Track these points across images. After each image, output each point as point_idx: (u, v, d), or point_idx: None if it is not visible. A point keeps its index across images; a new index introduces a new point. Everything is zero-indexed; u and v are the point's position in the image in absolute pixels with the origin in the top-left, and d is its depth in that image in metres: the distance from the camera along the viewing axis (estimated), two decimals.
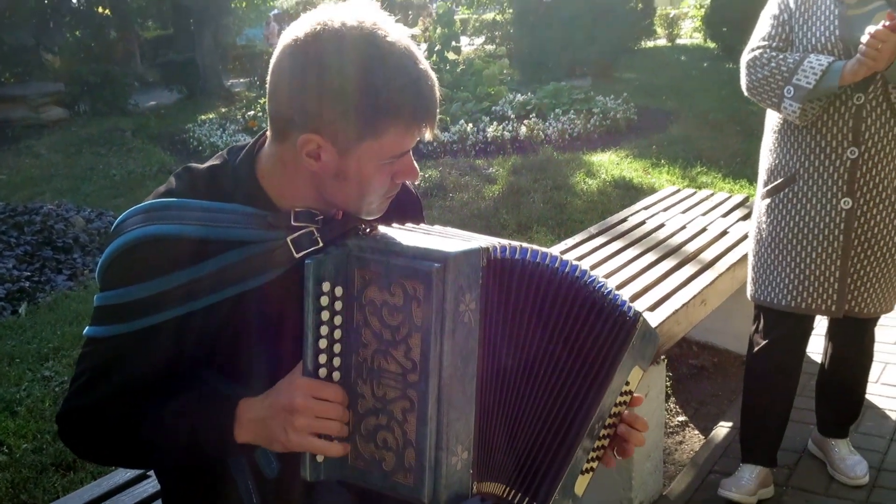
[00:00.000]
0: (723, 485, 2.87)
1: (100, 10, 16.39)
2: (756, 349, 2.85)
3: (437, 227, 1.44)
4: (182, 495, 1.52)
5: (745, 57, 2.70)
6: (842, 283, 2.62)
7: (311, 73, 1.29)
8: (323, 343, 1.31)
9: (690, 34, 21.20)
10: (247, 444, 1.34)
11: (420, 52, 1.36)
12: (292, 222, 1.39)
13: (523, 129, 9.15)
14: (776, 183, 2.70)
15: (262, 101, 11.87)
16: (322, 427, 1.28)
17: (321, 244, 1.38)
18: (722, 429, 3.37)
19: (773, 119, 2.75)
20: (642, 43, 18.96)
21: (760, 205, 2.78)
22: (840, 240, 2.59)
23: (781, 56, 2.56)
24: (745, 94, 2.71)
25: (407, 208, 1.62)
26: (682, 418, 3.56)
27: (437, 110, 1.37)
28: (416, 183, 1.66)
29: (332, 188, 1.38)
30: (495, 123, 9.42)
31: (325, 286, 1.29)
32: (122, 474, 2.00)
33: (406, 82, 1.30)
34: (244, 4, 19.54)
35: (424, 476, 1.27)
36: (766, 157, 2.78)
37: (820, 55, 2.51)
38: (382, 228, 1.38)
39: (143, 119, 12.61)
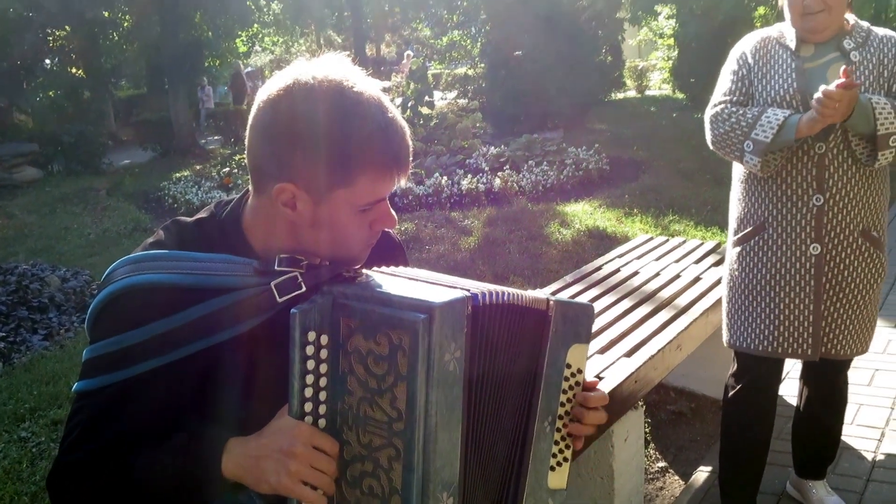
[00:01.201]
0: None
1: (73, 70, 16.46)
2: (731, 394, 2.87)
3: (423, 272, 1.43)
4: None
5: (709, 112, 2.73)
6: (816, 327, 2.64)
7: (282, 124, 1.32)
8: (309, 392, 1.31)
9: (659, 85, 21.52)
10: (232, 482, 1.33)
11: (390, 102, 1.38)
12: (276, 267, 1.39)
13: (497, 181, 9.22)
14: (746, 231, 2.71)
15: (237, 158, 11.90)
16: (313, 477, 1.29)
17: (304, 289, 1.38)
18: (702, 473, 3.37)
19: (739, 169, 2.77)
20: (612, 94, 19.26)
21: (732, 252, 2.79)
22: (812, 284, 2.62)
23: (741, 111, 2.61)
24: (711, 147, 2.75)
25: (391, 255, 1.63)
26: (661, 464, 3.56)
27: (409, 158, 1.39)
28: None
29: (309, 237, 1.40)
30: (469, 176, 9.48)
31: (311, 335, 1.30)
32: None
33: (374, 130, 1.32)
34: (218, 63, 19.65)
35: None
36: (735, 206, 2.79)
37: (777, 109, 2.55)
38: (367, 273, 1.39)
39: (117, 178, 12.60)
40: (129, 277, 1.37)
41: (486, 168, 9.91)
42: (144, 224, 9.03)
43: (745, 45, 2.75)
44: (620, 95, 20.15)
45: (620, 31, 18.64)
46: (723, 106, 2.68)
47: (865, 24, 2.66)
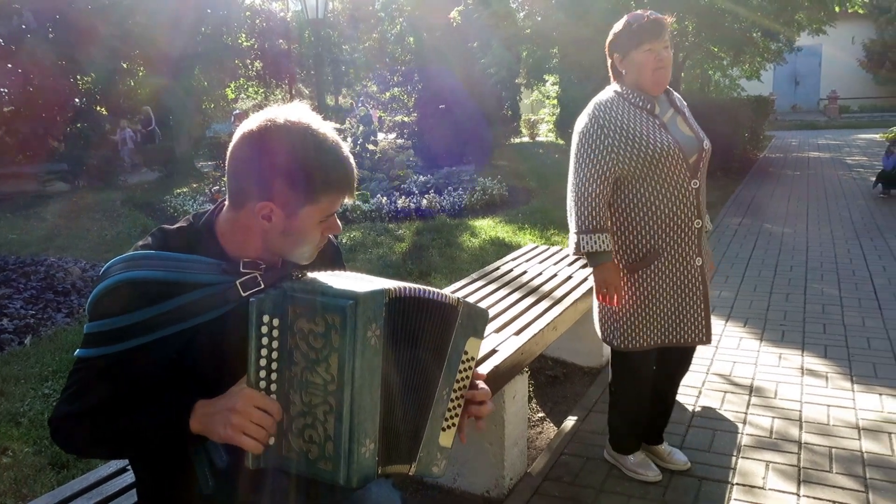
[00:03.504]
0: (633, 473, 2.80)
1: (97, 108, 15.84)
2: (634, 379, 2.72)
3: (354, 273, 1.44)
4: (153, 484, 1.46)
5: (584, 189, 2.48)
6: (707, 320, 2.61)
7: (265, 157, 1.31)
8: (263, 362, 1.30)
9: (546, 134, 21.82)
10: (198, 435, 1.32)
11: (343, 142, 1.39)
12: (241, 269, 1.38)
13: (424, 202, 9.20)
14: (643, 256, 2.54)
15: (224, 180, 11.65)
16: (251, 429, 1.27)
17: (262, 286, 1.37)
18: (570, 421, 3.38)
19: (629, 208, 2.54)
20: (512, 139, 19.43)
21: (632, 276, 2.57)
22: (700, 289, 2.58)
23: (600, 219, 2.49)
24: (575, 196, 2.55)
25: (332, 255, 1.64)
26: (541, 415, 3.58)
27: (355, 182, 1.40)
28: (343, 240, 1.66)
29: (278, 242, 1.38)
30: (404, 197, 9.43)
31: (265, 318, 1.29)
32: (105, 469, 1.89)
33: (335, 163, 1.33)
34: (212, 106, 19.24)
35: (340, 463, 1.26)
36: (625, 235, 2.56)
37: (607, 237, 2.48)
38: (311, 274, 1.38)
39: (129, 192, 12.15)
40: (123, 273, 1.34)
41: (416, 191, 9.88)
42: (150, 228, 8.66)
43: (606, 113, 2.50)
44: (517, 140, 20.34)
45: (518, 93, 18.82)
46: (596, 200, 2.48)
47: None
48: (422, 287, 1.39)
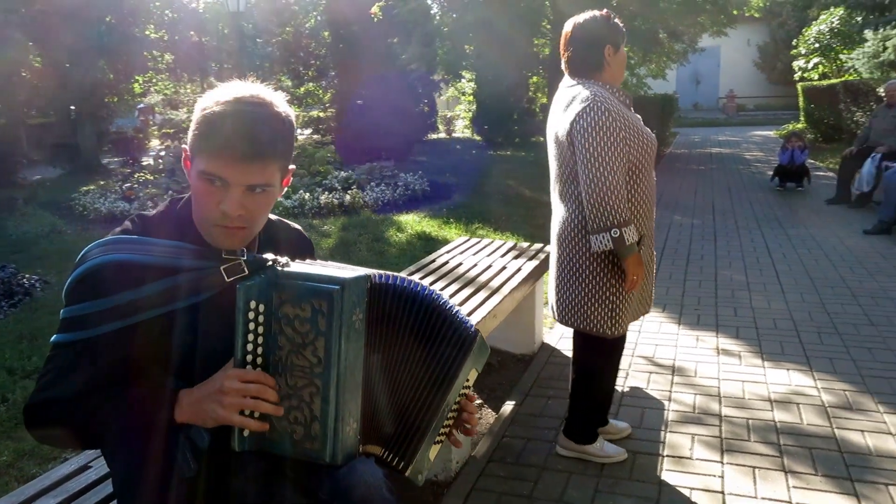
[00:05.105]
0: (605, 458, 2.88)
1: None
2: (614, 364, 2.87)
3: (332, 262, 1.47)
4: (130, 474, 1.42)
5: (611, 182, 2.43)
6: (652, 291, 2.87)
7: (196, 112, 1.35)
8: (249, 346, 1.32)
9: (462, 130, 22.04)
10: (184, 424, 1.32)
11: (270, 118, 1.33)
12: (224, 255, 1.39)
13: (347, 197, 9.16)
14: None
15: (136, 176, 11.22)
16: (248, 404, 1.28)
17: (247, 272, 1.38)
18: (508, 406, 3.49)
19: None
20: (429, 135, 19.53)
21: (597, 265, 2.61)
22: (653, 267, 2.82)
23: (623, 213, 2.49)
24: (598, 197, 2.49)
25: (305, 248, 1.66)
26: (479, 401, 3.69)
27: (242, 155, 1.30)
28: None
29: (194, 206, 1.40)
30: (326, 193, 9.37)
31: (252, 304, 1.31)
32: (68, 467, 1.86)
33: (224, 121, 1.30)
34: (115, 100, 18.43)
35: (327, 441, 1.30)
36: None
37: (635, 227, 2.53)
38: (294, 263, 1.41)
39: (31, 190, 11.53)
40: (102, 256, 1.33)
41: (339, 187, 9.83)
42: (59, 227, 8.30)
43: (613, 106, 2.48)
44: (434, 136, 20.45)
45: (437, 89, 18.95)
46: (619, 184, 2.46)
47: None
48: (403, 276, 1.45)
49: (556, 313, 2.84)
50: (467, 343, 1.48)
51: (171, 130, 14.53)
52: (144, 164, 13.74)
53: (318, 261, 1.51)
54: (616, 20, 2.66)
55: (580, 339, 2.84)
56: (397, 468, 1.45)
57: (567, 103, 2.59)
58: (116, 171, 14.12)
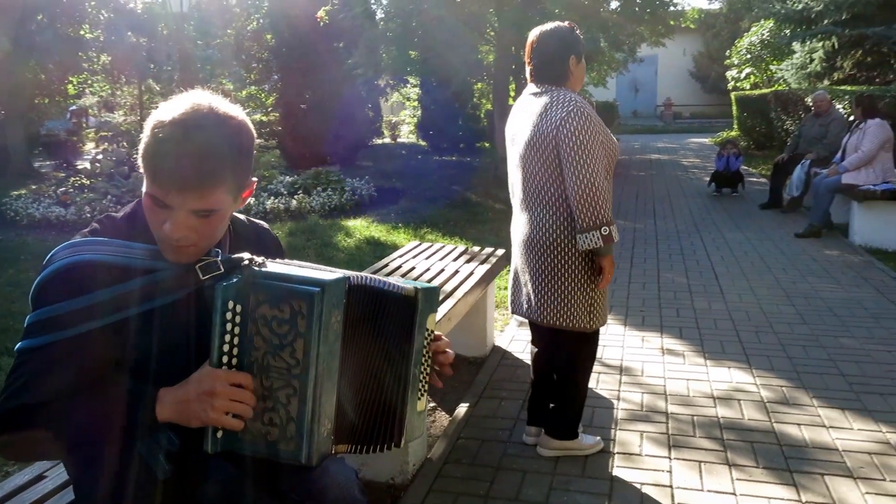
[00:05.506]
0: (589, 449, 2.98)
1: None
2: (593, 358, 2.94)
3: (307, 263, 1.47)
4: (94, 481, 1.39)
5: (599, 184, 2.55)
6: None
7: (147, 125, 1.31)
8: (226, 347, 1.32)
9: (407, 135, 22.08)
10: (153, 423, 1.30)
11: (213, 136, 1.28)
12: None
13: (294, 202, 9.10)
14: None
15: (71, 180, 10.87)
16: (235, 408, 1.29)
17: (223, 270, 1.37)
18: (462, 408, 3.53)
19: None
20: (374, 140, 19.50)
21: (576, 264, 2.70)
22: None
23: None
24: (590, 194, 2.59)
25: (273, 247, 1.66)
26: (432, 405, 3.71)
27: (188, 184, 1.26)
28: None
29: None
30: (272, 198, 9.28)
31: (230, 304, 1.31)
32: (21, 477, 1.81)
33: (166, 150, 1.26)
34: (46, 101, 17.76)
35: (303, 443, 1.31)
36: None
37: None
38: (270, 263, 1.40)
39: None
40: (71, 257, 1.31)
41: (285, 192, 9.75)
42: None
43: (592, 112, 2.62)
44: (380, 141, 20.43)
45: (383, 94, 18.93)
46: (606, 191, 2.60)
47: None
48: (380, 278, 1.46)
49: (536, 315, 2.84)
50: (410, 306, 1.48)
51: (109, 133, 14.10)
52: (80, 167, 13.31)
53: (294, 260, 1.49)
54: (577, 32, 2.75)
55: (562, 337, 2.88)
56: (391, 448, 1.47)
57: (542, 109, 2.66)
58: (49, 175, 13.67)
